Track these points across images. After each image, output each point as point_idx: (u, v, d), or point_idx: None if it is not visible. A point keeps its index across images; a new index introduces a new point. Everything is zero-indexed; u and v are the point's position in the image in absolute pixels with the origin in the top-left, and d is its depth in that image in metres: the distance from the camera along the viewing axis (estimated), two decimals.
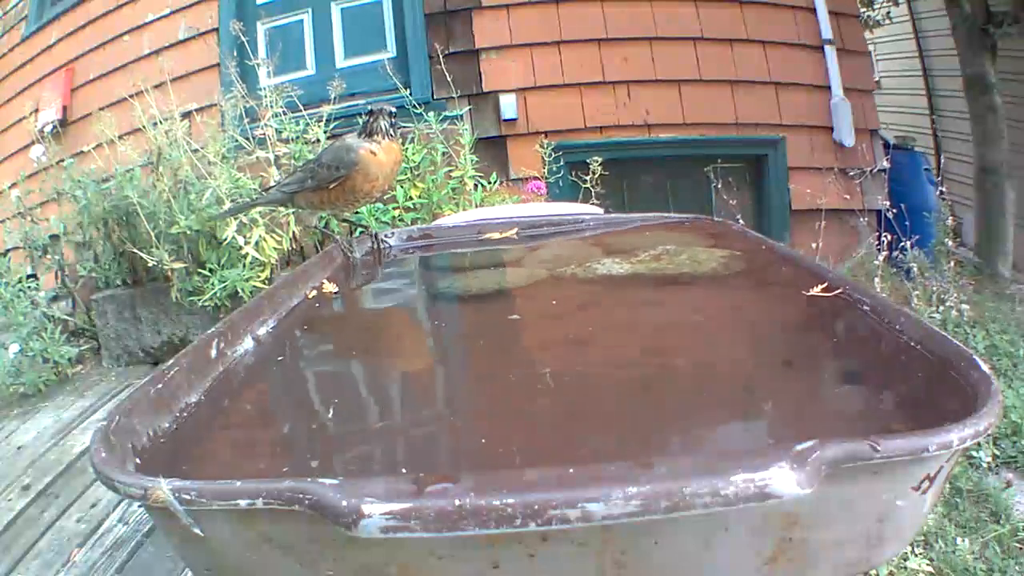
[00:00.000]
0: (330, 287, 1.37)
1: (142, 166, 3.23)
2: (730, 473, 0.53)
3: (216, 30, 3.90)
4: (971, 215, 4.84)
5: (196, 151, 3.10)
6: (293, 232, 3.07)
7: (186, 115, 3.38)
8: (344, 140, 1.62)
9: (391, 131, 1.57)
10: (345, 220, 2.38)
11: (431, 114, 3.22)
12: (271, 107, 3.11)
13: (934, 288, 3.08)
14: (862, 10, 5.58)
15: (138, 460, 0.72)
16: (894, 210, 3.19)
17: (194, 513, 0.60)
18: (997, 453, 2.25)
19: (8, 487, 2.33)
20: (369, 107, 1.60)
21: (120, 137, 3.20)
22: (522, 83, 3.75)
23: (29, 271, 3.40)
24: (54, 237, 3.42)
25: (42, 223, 3.47)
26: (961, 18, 4.63)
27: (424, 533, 0.53)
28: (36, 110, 4.29)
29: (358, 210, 2.32)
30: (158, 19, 4.06)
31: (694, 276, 1.29)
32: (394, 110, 1.60)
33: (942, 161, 5.66)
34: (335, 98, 3.15)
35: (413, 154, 3.17)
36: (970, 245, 4.84)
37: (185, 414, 0.83)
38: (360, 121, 1.62)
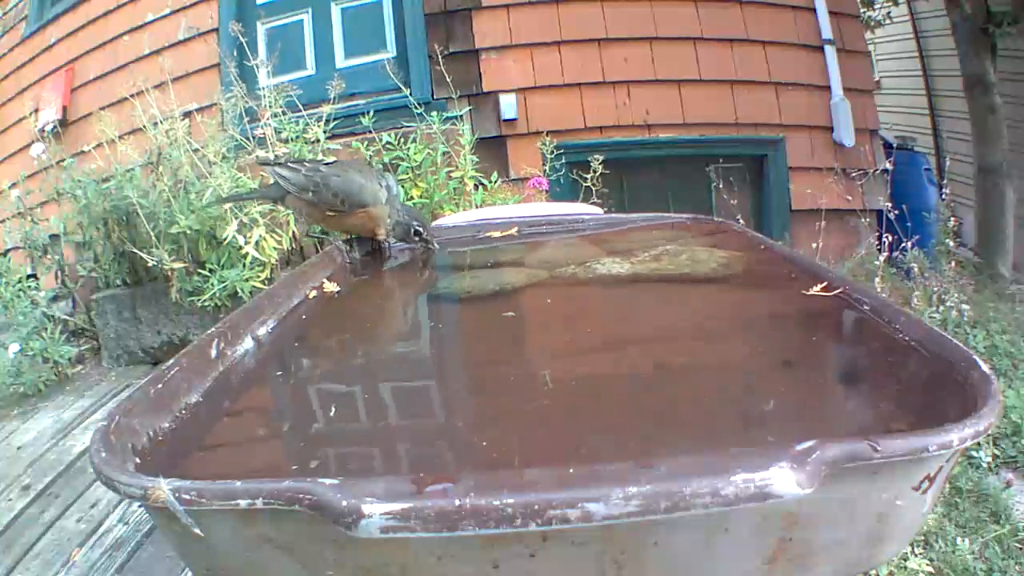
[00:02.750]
0: (330, 287, 1.37)
1: (142, 166, 3.23)
2: (730, 473, 0.53)
3: (216, 30, 3.90)
4: (971, 215, 4.84)
5: (196, 151, 3.10)
6: (293, 232, 3.07)
7: (186, 115, 3.38)
8: (361, 175, 1.56)
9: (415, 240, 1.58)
10: None
11: (433, 114, 3.22)
12: (271, 107, 3.11)
13: (934, 288, 3.08)
14: (862, 10, 5.58)
15: (138, 460, 0.72)
16: (895, 211, 3.19)
17: (194, 513, 0.59)
18: (997, 453, 2.25)
19: (8, 487, 2.33)
20: (426, 235, 1.59)
21: (120, 137, 3.20)
22: (522, 83, 3.75)
23: (29, 271, 3.40)
24: (54, 237, 3.42)
25: (42, 223, 3.46)
26: (961, 18, 4.63)
27: (424, 533, 0.53)
28: (36, 110, 4.29)
29: None
30: (158, 19, 4.06)
31: (694, 276, 1.29)
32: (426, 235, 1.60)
33: (943, 161, 5.65)
34: (335, 98, 3.15)
35: (414, 154, 3.17)
36: (970, 245, 4.84)
37: (185, 414, 0.83)
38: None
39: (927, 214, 3.76)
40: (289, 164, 1.63)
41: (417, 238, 1.59)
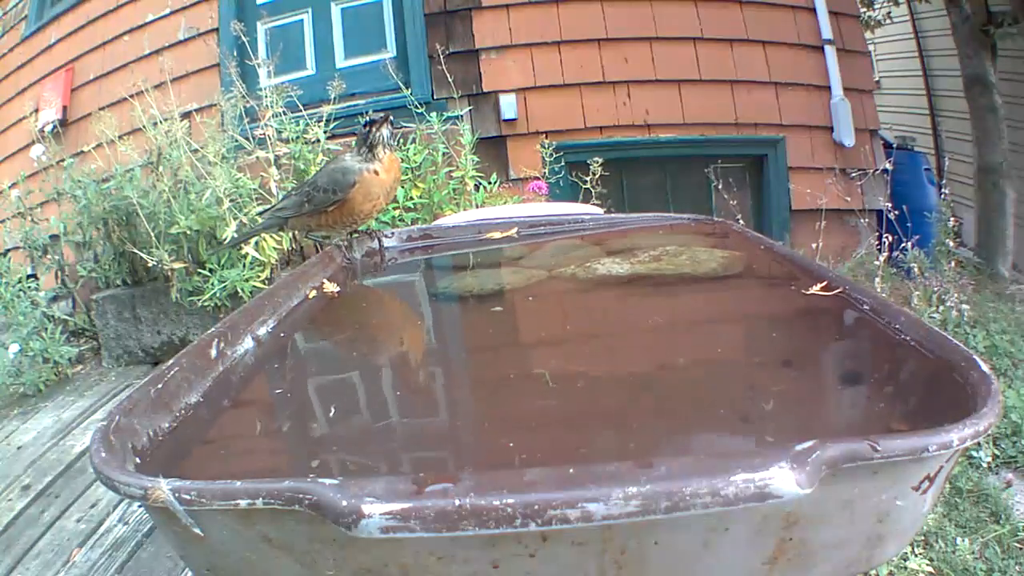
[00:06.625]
0: (330, 287, 1.37)
1: (142, 166, 3.23)
2: (730, 473, 0.53)
3: (216, 30, 3.90)
4: (971, 215, 4.85)
5: (196, 151, 3.10)
6: (293, 232, 3.07)
7: (186, 115, 3.38)
8: (341, 161, 1.59)
9: (391, 141, 1.54)
10: None
11: (433, 114, 3.22)
12: (271, 107, 3.11)
13: (934, 288, 3.08)
14: (862, 10, 5.58)
15: (138, 460, 0.72)
16: (895, 211, 3.19)
17: (194, 513, 0.59)
18: (997, 453, 2.25)
19: (8, 487, 2.33)
20: (369, 118, 1.55)
21: (120, 137, 3.20)
22: (522, 83, 3.76)
23: (29, 271, 3.40)
24: (54, 237, 3.42)
25: (42, 223, 3.47)
26: (961, 18, 4.63)
27: (424, 533, 0.53)
28: (36, 110, 4.29)
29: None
30: (158, 19, 4.06)
31: (694, 276, 1.29)
32: (393, 118, 1.57)
33: (943, 161, 5.66)
34: (335, 98, 3.15)
35: (414, 155, 3.17)
36: (970, 245, 4.84)
37: (185, 414, 0.83)
38: (360, 121, 1.59)
39: (927, 214, 3.76)
40: (281, 199, 1.72)
41: (367, 128, 1.55)
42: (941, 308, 3.00)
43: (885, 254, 3.06)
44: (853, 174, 3.76)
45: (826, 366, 0.95)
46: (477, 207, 3.05)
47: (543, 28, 3.78)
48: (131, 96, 3.19)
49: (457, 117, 3.43)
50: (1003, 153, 4.51)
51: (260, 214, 2.02)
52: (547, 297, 1.30)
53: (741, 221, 2.99)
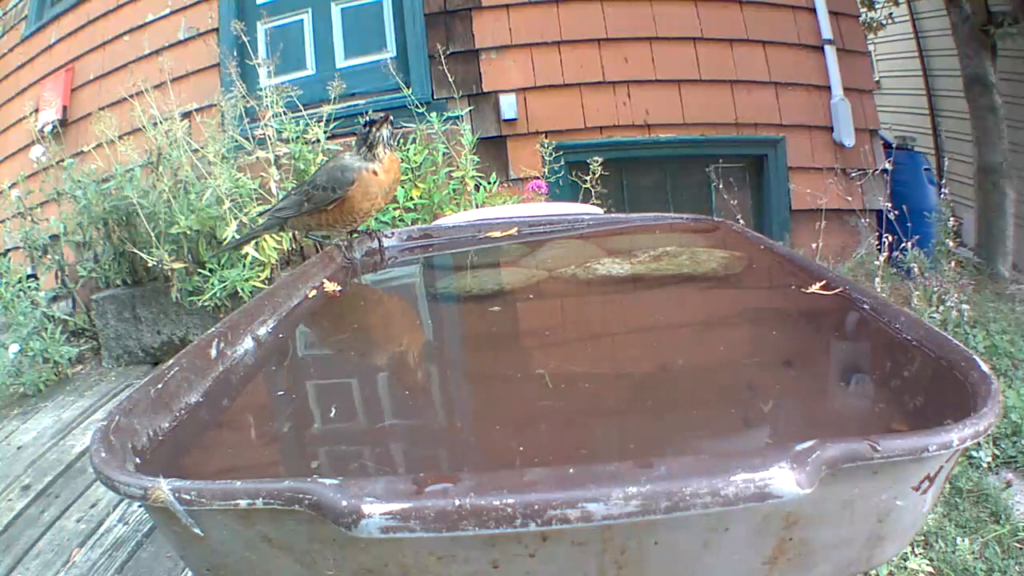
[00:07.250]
0: (330, 287, 1.37)
1: (142, 166, 3.23)
2: (730, 473, 0.53)
3: (216, 30, 3.90)
4: (971, 215, 4.85)
5: (196, 151, 3.10)
6: (293, 232, 3.07)
7: (186, 115, 3.39)
8: (340, 159, 1.59)
9: (391, 141, 1.55)
10: None
11: (433, 114, 3.22)
12: (271, 107, 3.11)
13: (934, 288, 3.08)
14: (862, 10, 5.58)
15: (138, 460, 0.72)
16: (895, 211, 3.19)
17: (194, 513, 0.59)
18: (997, 453, 2.25)
19: (8, 487, 2.33)
20: (369, 118, 1.56)
21: (120, 137, 3.20)
22: (522, 83, 3.76)
23: (29, 271, 3.40)
24: (54, 237, 3.42)
25: (42, 223, 3.47)
26: (961, 18, 4.63)
27: (424, 533, 0.53)
28: (36, 110, 4.29)
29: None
30: (158, 19, 4.06)
31: (694, 276, 1.29)
32: (393, 118, 1.57)
33: (943, 161, 5.66)
34: (335, 98, 3.15)
35: (415, 155, 3.17)
36: (970, 245, 4.84)
37: (185, 414, 0.83)
38: (360, 121, 1.59)
39: (927, 214, 3.76)
40: (281, 199, 1.72)
41: (367, 128, 1.55)
42: (941, 308, 3.00)
43: (885, 254, 3.06)
44: (853, 174, 3.76)
45: (826, 366, 0.95)
46: (477, 207, 3.04)
47: (543, 28, 3.78)
48: (131, 96, 3.19)
49: (457, 117, 3.43)
50: (1003, 153, 4.51)
51: (260, 214, 2.03)
52: (547, 297, 1.30)
53: (741, 221, 2.99)
